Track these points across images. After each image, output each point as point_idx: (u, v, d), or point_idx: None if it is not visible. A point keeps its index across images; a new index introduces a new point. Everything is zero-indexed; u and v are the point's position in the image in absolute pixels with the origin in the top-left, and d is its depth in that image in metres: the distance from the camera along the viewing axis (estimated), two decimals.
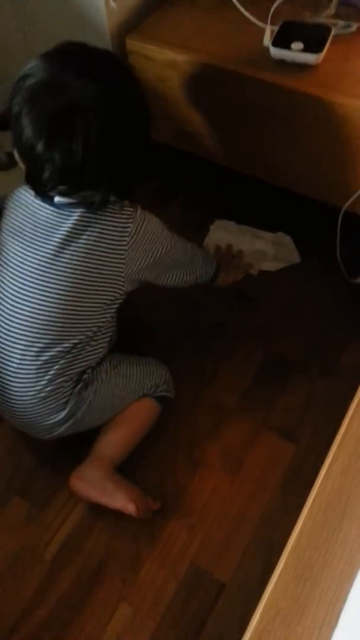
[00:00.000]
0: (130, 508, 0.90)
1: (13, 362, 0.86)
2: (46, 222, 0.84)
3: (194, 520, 0.95)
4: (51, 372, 0.86)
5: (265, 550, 0.91)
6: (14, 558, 0.93)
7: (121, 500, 0.91)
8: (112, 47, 1.10)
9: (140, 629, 0.86)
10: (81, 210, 0.82)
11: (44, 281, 0.83)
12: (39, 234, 0.84)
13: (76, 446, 0.97)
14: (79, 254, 0.82)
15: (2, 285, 0.87)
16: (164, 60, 1.04)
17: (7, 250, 0.87)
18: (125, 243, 0.83)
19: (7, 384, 0.88)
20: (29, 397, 0.87)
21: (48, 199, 0.83)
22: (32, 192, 0.84)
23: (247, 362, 1.10)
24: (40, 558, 0.92)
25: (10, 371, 0.87)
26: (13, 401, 0.88)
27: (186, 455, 1.01)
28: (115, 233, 0.83)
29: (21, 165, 0.83)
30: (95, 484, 0.92)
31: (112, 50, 0.92)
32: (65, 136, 0.75)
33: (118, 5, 1.05)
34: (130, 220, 0.83)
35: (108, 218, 0.83)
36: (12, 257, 0.86)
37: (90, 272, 0.84)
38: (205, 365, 1.11)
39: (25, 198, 0.87)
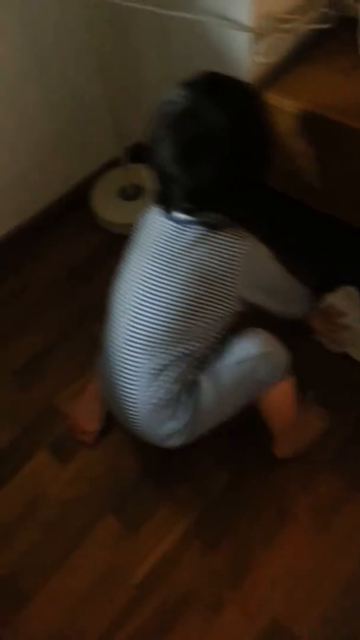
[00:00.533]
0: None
1: (129, 368, 0.92)
2: (166, 236, 0.90)
3: (277, 573, 0.94)
4: (162, 378, 0.90)
5: (347, 615, 0.88)
6: (102, 576, 0.97)
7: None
8: None
9: None
10: (200, 227, 0.87)
11: (160, 291, 0.89)
12: (157, 247, 0.90)
13: (175, 471, 1.01)
14: (193, 267, 0.87)
15: (125, 295, 0.93)
16: (297, 116, 1.07)
17: (130, 262, 0.95)
18: (238, 263, 0.87)
19: (123, 391, 0.93)
20: (141, 404, 0.92)
21: (172, 216, 0.89)
22: (158, 211, 0.91)
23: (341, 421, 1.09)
24: (127, 581, 0.96)
25: (126, 378, 0.92)
26: (128, 407, 0.94)
27: (276, 504, 1.01)
28: (230, 252, 0.87)
29: (154, 184, 0.89)
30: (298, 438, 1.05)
31: (250, 83, 0.96)
32: (197, 159, 0.81)
33: (262, 58, 1.09)
34: (245, 242, 0.88)
35: (225, 238, 0.87)
36: (133, 268, 0.93)
37: (202, 285, 0.88)
38: None
39: (150, 216, 0.94)
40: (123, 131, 1.33)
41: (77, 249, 1.43)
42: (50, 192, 1.45)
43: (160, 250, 0.89)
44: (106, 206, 1.46)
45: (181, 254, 0.88)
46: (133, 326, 0.91)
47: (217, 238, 0.87)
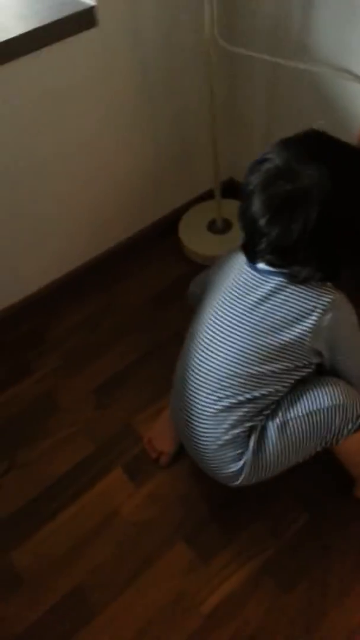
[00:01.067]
0: None
1: (197, 406, 0.93)
2: (245, 283, 0.91)
3: (354, 625, 0.91)
4: (229, 421, 0.90)
5: None
6: (171, 601, 0.96)
7: None
8: None
9: None
10: (281, 279, 0.88)
11: (230, 337, 0.90)
12: (236, 293, 0.91)
13: (251, 506, 1.00)
14: (266, 314, 0.88)
15: (199, 333, 0.95)
16: None
17: (207, 303, 0.96)
18: (314, 314, 0.86)
19: (192, 427, 0.94)
20: (209, 442, 0.92)
21: (255, 266, 0.90)
22: (243, 258, 0.92)
23: None
24: (197, 609, 0.94)
25: (196, 415, 0.93)
26: (197, 445, 0.94)
27: (356, 551, 0.98)
28: (307, 302, 0.87)
29: (241, 233, 0.91)
30: None
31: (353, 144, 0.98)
32: (287, 217, 0.81)
33: None
34: (329, 296, 0.87)
35: (304, 289, 0.87)
36: (209, 309, 0.95)
37: (274, 334, 0.87)
38: None
39: (235, 260, 0.96)
40: (220, 166, 1.38)
41: (162, 276, 1.46)
42: (144, 219, 1.50)
43: (238, 297, 0.91)
44: (194, 237, 1.51)
45: (257, 302, 0.89)
46: (201, 367, 0.93)
47: (296, 288, 0.87)
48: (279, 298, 0.88)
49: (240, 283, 0.92)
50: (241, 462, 0.92)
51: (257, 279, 0.89)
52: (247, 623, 0.93)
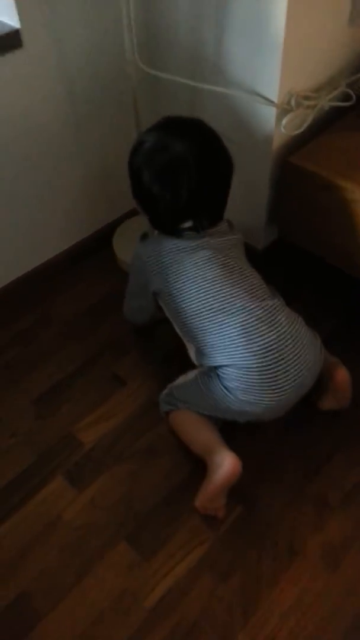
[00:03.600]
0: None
1: (297, 350, 1.05)
2: (218, 247, 1.10)
3: (286, 607, 0.98)
4: (301, 320, 1.11)
5: None
6: (115, 599, 0.99)
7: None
8: (272, 161, 1.27)
9: None
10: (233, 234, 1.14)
11: (247, 288, 1.08)
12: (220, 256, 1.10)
13: (189, 502, 1.05)
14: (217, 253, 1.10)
15: (240, 317, 1.04)
16: (318, 183, 1.19)
17: (209, 292, 1.07)
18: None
19: (297, 352, 1.04)
20: (310, 346, 1.08)
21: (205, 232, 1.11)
22: (184, 241, 1.10)
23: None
24: (140, 604, 0.98)
25: (304, 356, 1.05)
26: (306, 360, 1.05)
27: (286, 540, 1.05)
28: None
29: (143, 214, 1.13)
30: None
31: (201, 120, 1.12)
32: (172, 180, 1.04)
33: (286, 130, 1.22)
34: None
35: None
36: (220, 295, 1.06)
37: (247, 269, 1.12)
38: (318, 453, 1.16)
39: (171, 253, 1.10)
40: None
41: (97, 288, 1.51)
42: (77, 234, 1.54)
43: (221, 270, 1.08)
44: (126, 248, 1.56)
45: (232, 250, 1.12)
46: (261, 308, 1.05)
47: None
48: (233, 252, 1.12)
49: (207, 259, 1.08)
50: (318, 342, 1.11)
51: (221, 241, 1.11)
52: (190, 613, 0.98)
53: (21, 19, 1.11)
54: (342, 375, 1.15)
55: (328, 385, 1.16)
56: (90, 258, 1.56)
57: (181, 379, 1.17)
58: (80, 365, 1.35)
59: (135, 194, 1.12)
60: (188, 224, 1.10)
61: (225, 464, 1.02)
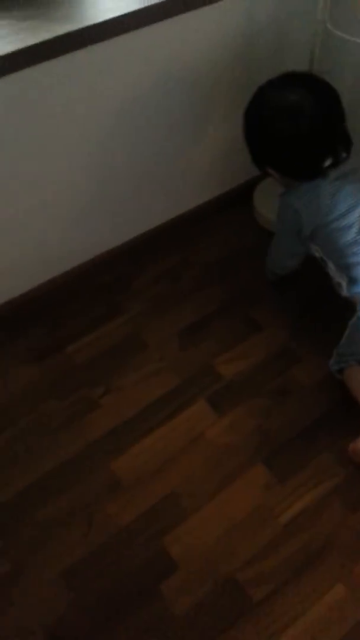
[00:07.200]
0: None
1: None
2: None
3: None
4: None
5: None
6: (253, 511, 1.10)
7: None
8: None
9: (351, 612, 0.98)
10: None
11: None
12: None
13: (324, 441, 1.14)
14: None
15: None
16: None
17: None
18: None
19: None
20: None
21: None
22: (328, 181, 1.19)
23: None
24: (275, 520, 1.09)
25: None
26: None
27: None
28: None
29: (279, 176, 1.24)
30: None
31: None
32: (302, 116, 1.12)
33: None
34: None
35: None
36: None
37: None
38: None
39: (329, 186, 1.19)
40: None
41: (236, 239, 1.59)
42: (222, 186, 1.63)
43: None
44: (267, 204, 1.62)
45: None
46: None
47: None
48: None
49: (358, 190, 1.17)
50: None
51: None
52: (319, 535, 1.07)
53: None
54: None
55: None
56: (232, 210, 1.65)
57: (342, 340, 1.23)
58: (219, 307, 1.44)
59: (267, 152, 1.21)
60: (328, 162, 1.17)
61: None
